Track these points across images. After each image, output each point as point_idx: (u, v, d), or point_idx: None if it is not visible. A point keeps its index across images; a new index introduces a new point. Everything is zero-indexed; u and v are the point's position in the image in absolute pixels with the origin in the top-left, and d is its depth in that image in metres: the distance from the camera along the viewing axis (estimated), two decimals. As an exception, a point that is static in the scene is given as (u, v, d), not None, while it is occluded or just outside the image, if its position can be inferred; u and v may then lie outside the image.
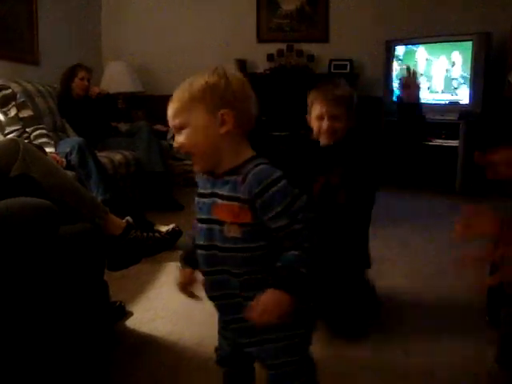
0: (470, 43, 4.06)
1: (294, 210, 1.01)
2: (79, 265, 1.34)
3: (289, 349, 1.11)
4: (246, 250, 1.05)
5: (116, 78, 4.67)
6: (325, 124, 1.95)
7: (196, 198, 1.14)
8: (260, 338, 1.10)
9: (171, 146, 4.64)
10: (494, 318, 1.79)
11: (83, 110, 3.74)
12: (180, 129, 1.09)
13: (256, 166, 1.04)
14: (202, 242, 1.12)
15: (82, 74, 3.71)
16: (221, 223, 1.06)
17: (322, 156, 1.96)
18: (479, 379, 1.57)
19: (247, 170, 1.03)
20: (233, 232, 1.04)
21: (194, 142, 1.07)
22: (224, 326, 1.24)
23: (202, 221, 1.11)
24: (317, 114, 1.99)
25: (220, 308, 1.21)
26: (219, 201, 1.06)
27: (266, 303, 0.99)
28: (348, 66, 4.72)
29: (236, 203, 1.03)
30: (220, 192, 1.06)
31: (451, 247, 2.84)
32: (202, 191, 1.12)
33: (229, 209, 1.04)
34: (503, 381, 1.54)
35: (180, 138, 1.09)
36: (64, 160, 2.86)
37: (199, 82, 1.11)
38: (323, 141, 1.97)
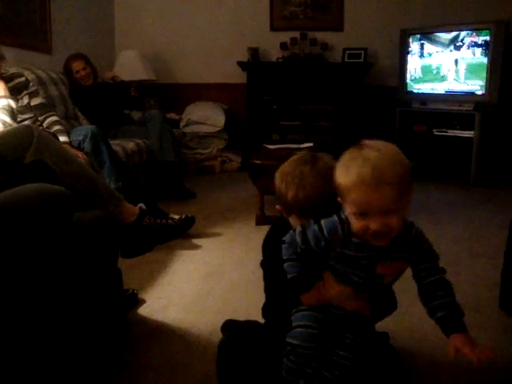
0: (487, 32, 3.99)
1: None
2: (93, 252, 1.34)
3: None
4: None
5: (128, 66, 4.66)
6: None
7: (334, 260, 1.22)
8: None
9: (184, 133, 4.64)
10: (507, 307, 1.77)
11: (95, 97, 3.74)
12: (391, 212, 1.08)
13: (411, 227, 1.19)
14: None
15: (75, 66, 3.71)
16: (382, 277, 1.21)
17: None
18: (497, 368, 1.55)
19: (407, 232, 1.17)
20: (391, 279, 1.24)
21: (401, 222, 1.11)
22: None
23: (357, 276, 1.20)
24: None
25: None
26: (384, 260, 1.18)
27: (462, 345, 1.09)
28: (362, 55, 4.67)
29: (400, 260, 1.19)
30: (385, 253, 1.17)
31: (465, 239, 2.82)
32: (353, 253, 1.17)
33: (395, 266, 1.20)
34: (504, 324, 1.51)
35: (393, 222, 1.08)
36: (86, 157, 2.85)
37: (404, 160, 1.10)
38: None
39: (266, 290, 1.43)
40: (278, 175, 1.33)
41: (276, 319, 1.41)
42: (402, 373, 1.47)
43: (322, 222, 1.17)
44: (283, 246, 1.24)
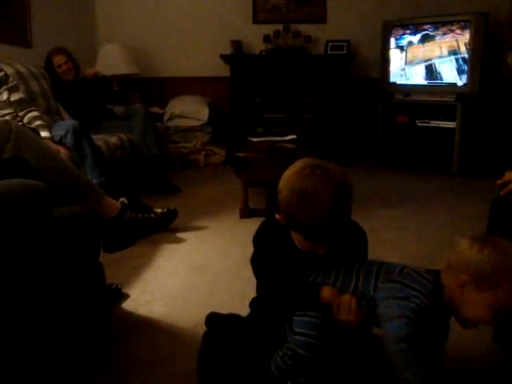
0: (467, 23, 4.02)
1: None
2: (74, 247, 1.33)
3: None
4: None
5: (111, 61, 4.61)
6: None
7: None
8: None
9: (167, 128, 4.62)
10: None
11: (77, 92, 3.70)
12: None
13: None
14: None
15: (57, 60, 3.67)
16: None
17: None
18: (477, 360, 1.58)
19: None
20: None
21: None
22: None
23: None
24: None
25: None
26: None
27: None
28: (345, 47, 4.67)
29: None
30: None
31: (448, 228, 2.85)
32: None
33: None
34: (501, 361, 1.54)
35: None
36: (68, 152, 2.82)
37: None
38: None
39: (257, 286, 1.41)
40: (284, 188, 1.21)
41: (263, 314, 1.41)
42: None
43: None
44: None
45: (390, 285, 1.20)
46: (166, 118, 4.71)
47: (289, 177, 1.21)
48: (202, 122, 4.67)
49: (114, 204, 1.97)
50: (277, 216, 1.29)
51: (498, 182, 1.62)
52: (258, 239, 1.37)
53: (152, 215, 2.36)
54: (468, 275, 1.14)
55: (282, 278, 1.28)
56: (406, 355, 1.10)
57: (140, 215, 2.15)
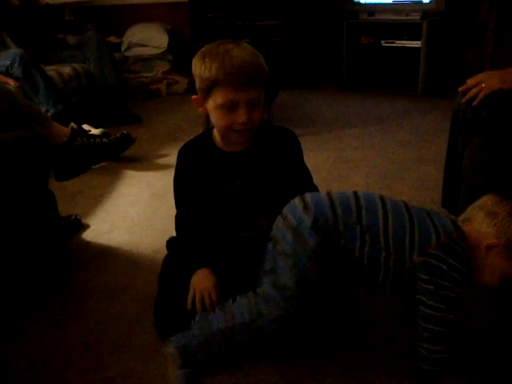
0: None
1: None
2: (17, 172, 1.26)
3: None
4: None
5: (60, -14, 4.33)
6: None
7: None
8: None
9: (126, 57, 4.43)
10: (448, 205, 1.81)
11: (24, 20, 3.46)
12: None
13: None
14: None
15: None
16: None
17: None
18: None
19: None
20: None
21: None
22: None
23: None
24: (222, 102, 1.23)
25: None
26: None
27: None
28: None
29: None
30: None
31: (412, 146, 2.85)
32: None
33: None
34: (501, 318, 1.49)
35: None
36: (17, 83, 2.67)
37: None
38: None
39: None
40: (196, 56, 1.25)
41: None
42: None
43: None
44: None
45: (432, 267, 1.07)
46: (123, 47, 4.51)
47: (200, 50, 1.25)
48: (161, 50, 4.49)
49: (63, 130, 1.89)
50: (193, 97, 1.31)
51: (460, 89, 1.59)
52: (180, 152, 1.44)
53: (104, 140, 2.27)
54: (499, 239, 1.08)
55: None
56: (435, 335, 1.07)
57: (91, 140, 2.06)
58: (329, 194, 1.14)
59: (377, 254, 1.09)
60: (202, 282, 1.27)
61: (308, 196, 1.15)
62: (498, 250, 1.08)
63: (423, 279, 1.07)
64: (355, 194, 1.15)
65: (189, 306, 1.25)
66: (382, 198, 1.15)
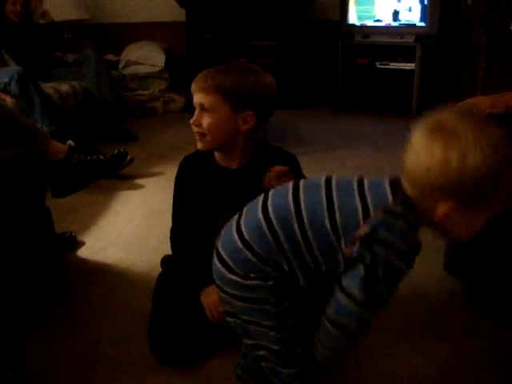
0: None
1: None
2: (15, 189, 1.27)
3: None
4: None
5: (59, 5, 4.37)
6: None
7: None
8: None
9: (124, 75, 4.47)
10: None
11: (23, 37, 3.50)
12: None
13: None
14: None
15: None
16: None
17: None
18: (428, 287, 1.61)
19: None
20: None
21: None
22: None
23: None
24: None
25: None
26: None
27: None
28: (303, -12, 4.54)
29: None
30: None
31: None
32: None
33: None
34: (451, 287, 1.57)
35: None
36: (14, 100, 2.68)
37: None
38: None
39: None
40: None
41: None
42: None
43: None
44: None
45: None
46: (121, 65, 4.55)
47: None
48: (158, 68, 4.53)
49: (60, 147, 1.90)
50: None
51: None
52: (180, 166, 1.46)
53: (101, 157, 2.28)
54: (451, 199, 0.83)
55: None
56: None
57: (89, 157, 2.08)
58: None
59: (306, 269, 0.94)
60: (214, 295, 1.16)
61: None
62: (457, 209, 0.85)
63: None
64: (264, 215, 0.95)
65: (214, 320, 1.26)
66: (294, 197, 0.96)
